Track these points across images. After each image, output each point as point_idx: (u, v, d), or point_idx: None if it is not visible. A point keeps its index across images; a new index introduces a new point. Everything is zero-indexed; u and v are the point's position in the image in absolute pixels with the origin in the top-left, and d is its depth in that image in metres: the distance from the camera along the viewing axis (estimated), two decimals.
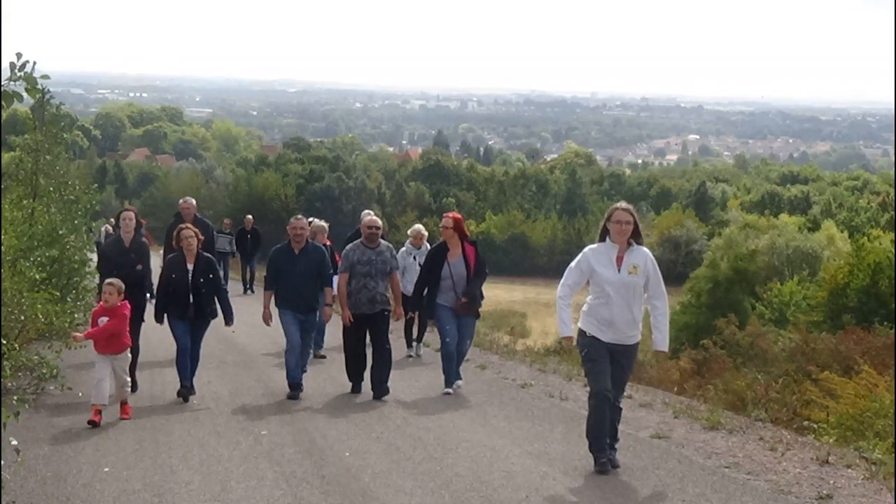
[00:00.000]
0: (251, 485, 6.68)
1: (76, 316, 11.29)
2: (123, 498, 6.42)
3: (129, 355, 9.06)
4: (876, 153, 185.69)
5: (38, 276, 10.00)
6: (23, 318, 9.18)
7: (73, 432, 8.23)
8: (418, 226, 13.08)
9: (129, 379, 9.00)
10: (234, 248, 22.47)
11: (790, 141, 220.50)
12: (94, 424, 8.40)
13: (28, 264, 10.12)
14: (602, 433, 6.94)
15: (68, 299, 11.80)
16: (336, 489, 6.58)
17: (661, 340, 7.06)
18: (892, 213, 59.89)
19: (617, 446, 7.19)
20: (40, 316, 9.20)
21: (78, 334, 9.01)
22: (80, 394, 9.50)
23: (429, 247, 11.70)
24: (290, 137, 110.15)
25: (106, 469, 7.09)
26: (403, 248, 12.55)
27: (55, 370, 9.55)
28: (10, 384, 9.24)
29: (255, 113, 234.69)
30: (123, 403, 8.90)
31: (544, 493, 6.50)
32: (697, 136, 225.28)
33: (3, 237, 9.45)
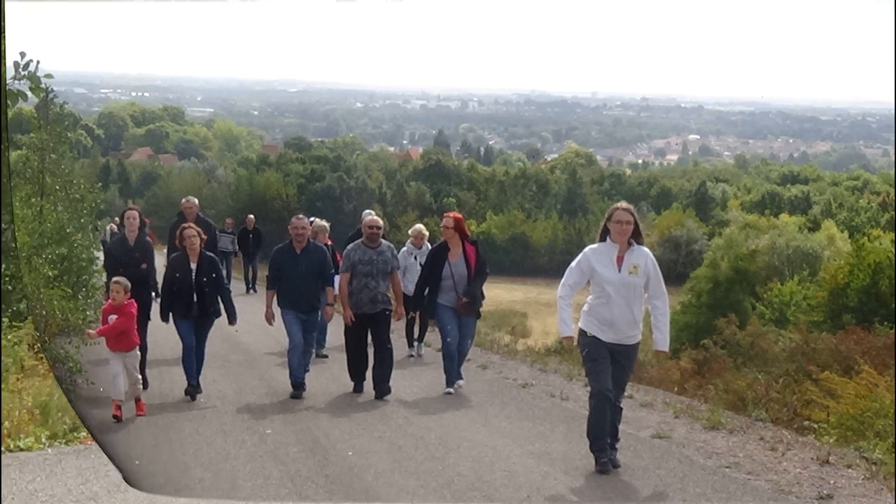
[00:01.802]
0: (258, 483, 6.74)
1: (88, 313, 11.40)
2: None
3: (139, 353, 9.16)
4: (876, 153, 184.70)
5: (50, 273, 10.09)
6: (44, 312, 9.28)
7: (103, 425, 8.37)
8: (419, 226, 13.08)
9: (139, 376, 9.10)
10: (237, 247, 22.46)
11: (790, 141, 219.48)
12: (116, 419, 8.56)
13: (41, 261, 10.21)
14: (602, 433, 6.97)
15: (79, 297, 11.90)
16: (340, 489, 6.64)
17: (662, 340, 7.09)
18: (892, 213, 59.85)
19: (617, 446, 7.22)
20: (57, 312, 9.31)
21: (91, 331, 9.16)
22: (101, 388, 9.60)
23: (429, 247, 11.72)
24: (291, 137, 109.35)
25: (136, 462, 7.23)
26: (404, 248, 12.57)
27: (79, 364, 9.68)
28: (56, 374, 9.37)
29: (256, 112, 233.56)
30: (137, 400, 9.02)
31: (545, 493, 6.54)
32: (697, 136, 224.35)
33: (16, 234, 9.54)
